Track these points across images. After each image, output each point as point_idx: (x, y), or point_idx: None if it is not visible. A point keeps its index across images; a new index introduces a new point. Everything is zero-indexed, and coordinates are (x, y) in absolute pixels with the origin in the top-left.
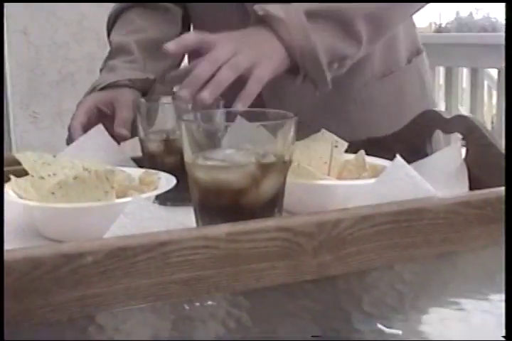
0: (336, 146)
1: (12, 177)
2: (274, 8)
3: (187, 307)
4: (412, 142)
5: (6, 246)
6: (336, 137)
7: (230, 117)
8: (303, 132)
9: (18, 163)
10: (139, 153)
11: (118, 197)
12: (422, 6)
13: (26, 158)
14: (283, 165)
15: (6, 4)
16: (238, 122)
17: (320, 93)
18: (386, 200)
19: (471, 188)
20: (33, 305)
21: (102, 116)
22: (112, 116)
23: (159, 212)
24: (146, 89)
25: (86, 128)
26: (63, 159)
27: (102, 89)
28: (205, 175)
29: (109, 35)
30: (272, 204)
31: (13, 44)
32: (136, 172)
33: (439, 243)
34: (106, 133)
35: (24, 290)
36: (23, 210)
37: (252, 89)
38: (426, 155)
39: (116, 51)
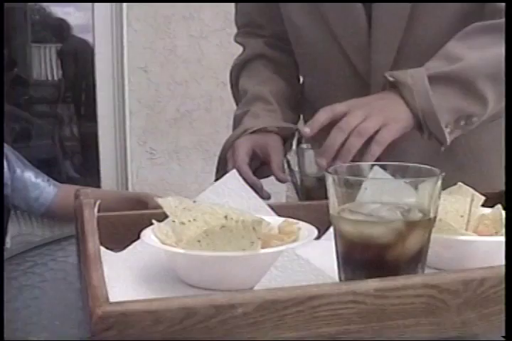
0: (473, 200)
1: (155, 222)
2: (402, 75)
3: None
4: None
5: (149, 291)
6: (472, 190)
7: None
8: None
9: (139, 207)
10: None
11: (261, 246)
12: None
13: (168, 203)
14: (428, 222)
15: (127, 44)
16: (380, 176)
17: (444, 149)
18: None
19: None
20: None
21: (256, 159)
22: (264, 159)
23: (309, 266)
24: (288, 137)
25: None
26: (203, 205)
27: (252, 133)
28: (352, 229)
29: (236, 83)
30: (416, 261)
31: (134, 81)
32: (275, 220)
33: None
34: (241, 178)
35: (174, 338)
36: (166, 256)
37: (375, 150)
38: None
39: (254, 99)
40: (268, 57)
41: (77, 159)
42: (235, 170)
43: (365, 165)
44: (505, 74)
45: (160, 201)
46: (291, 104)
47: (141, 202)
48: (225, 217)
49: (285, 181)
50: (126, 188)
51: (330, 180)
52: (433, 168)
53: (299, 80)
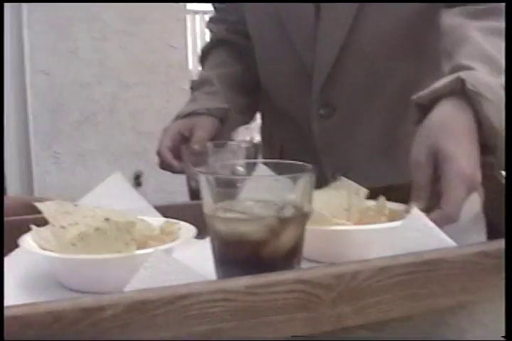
0: (357, 193)
1: (33, 227)
2: (481, 85)
3: None
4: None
5: (28, 297)
6: (355, 184)
7: (250, 168)
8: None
9: (38, 211)
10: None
11: (139, 247)
12: None
13: (47, 208)
14: (302, 217)
15: (27, 46)
16: (257, 173)
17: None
18: (404, 251)
19: (488, 235)
20: None
21: (185, 141)
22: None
23: (178, 265)
24: (223, 118)
25: (173, 152)
26: (84, 208)
27: (184, 117)
28: (225, 227)
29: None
30: (291, 256)
31: (36, 84)
32: (158, 221)
33: (457, 293)
34: (125, 180)
35: None
36: (44, 260)
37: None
38: None
39: (199, 84)
40: (229, 41)
41: None
42: (119, 172)
43: (238, 163)
44: (505, 74)
45: (38, 205)
46: (244, 87)
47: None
48: (106, 219)
49: (197, 154)
50: (32, 193)
51: (203, 180)
52: (306, 164)
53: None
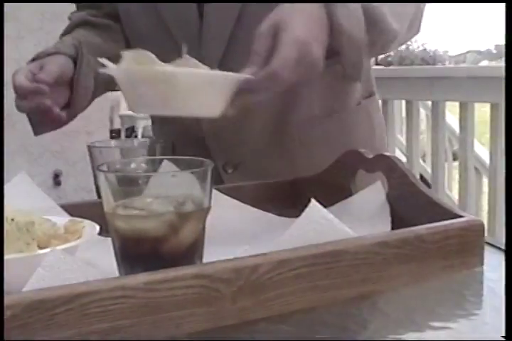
0: None
1: None
2: None
3: None
4: (336, 182)
5: None
6: None
7: (153, 165)
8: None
9: None
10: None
11: (42, 247)
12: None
13: None
14: (201, 213)
15: None
16: (163, 169)
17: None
18: (304, 244)
19: (393, 227)
20: None
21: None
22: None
23: (77, 263)
24: (74, 56)
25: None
26: None
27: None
28: (125, 225)
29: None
30: (192, 251)
31: None
32: (63, 220)
33: (359, 283)
34: (30, 180)
35: None
36: None
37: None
38: (350, 194)
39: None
40: (91, 22)
41: None
42: (24, 172)
43: (139, 159)
44: (505, 74)
45: None
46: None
47: None
48: (12, 220)
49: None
50: None
51: (101, 178)
52: (204, 160)
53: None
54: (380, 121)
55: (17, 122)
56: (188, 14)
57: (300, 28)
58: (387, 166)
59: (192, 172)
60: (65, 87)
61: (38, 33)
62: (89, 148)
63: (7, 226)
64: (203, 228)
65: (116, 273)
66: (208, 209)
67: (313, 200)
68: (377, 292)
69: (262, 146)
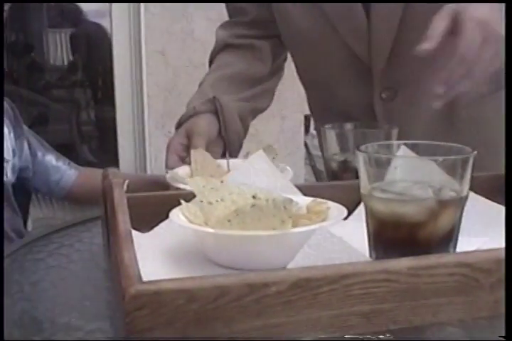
0: None
1: (183, 201)
2: None
3: None
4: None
5: (176, 271)
6: None
7: (393, 150)
8: None
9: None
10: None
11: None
12: None
13: (196, 183)
14: (460, 201)
15: (144, 27)
16: (407, 154)
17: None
18: None
19: None
20: (216, 332)
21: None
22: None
23: (343, 244)
24: (215, 110)
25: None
26: (231, 185)
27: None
28: (384, 208)
29: None
30: (448, 239)
31: (151, 65)
32: (303, 200)
33: None
34: (267, 158)
35: (208, 317)
36: (194, 236)
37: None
38: None
39: (197, 91)
40: (232, 44)
41: (95, 143)
42: (261, 150)
43: (394, 143)
44: (505, 74)
45: (188, 181)
46: (248, 83)
47: (161, 185)
48: (253, 196)
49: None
50: (145, 172)
51: (361, 159)
52: (464, 147)
53: (276, 59)
54: None
55: None
56: (354, 11)
57: (480, 10)
58: None
59: (455, 159)
60: (218, 138)
61: None
62: (324, 129)
63: (262, 202)
64: (460, 216)
65: (367, 256)
66: (466, 197)
67: None
68: None
69: (431, 135)
